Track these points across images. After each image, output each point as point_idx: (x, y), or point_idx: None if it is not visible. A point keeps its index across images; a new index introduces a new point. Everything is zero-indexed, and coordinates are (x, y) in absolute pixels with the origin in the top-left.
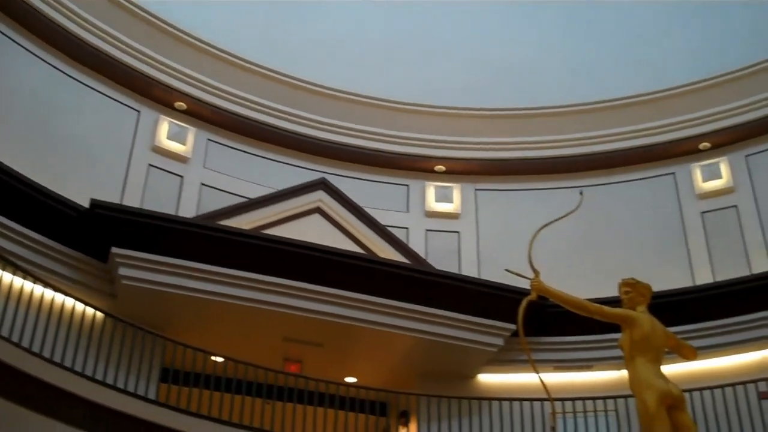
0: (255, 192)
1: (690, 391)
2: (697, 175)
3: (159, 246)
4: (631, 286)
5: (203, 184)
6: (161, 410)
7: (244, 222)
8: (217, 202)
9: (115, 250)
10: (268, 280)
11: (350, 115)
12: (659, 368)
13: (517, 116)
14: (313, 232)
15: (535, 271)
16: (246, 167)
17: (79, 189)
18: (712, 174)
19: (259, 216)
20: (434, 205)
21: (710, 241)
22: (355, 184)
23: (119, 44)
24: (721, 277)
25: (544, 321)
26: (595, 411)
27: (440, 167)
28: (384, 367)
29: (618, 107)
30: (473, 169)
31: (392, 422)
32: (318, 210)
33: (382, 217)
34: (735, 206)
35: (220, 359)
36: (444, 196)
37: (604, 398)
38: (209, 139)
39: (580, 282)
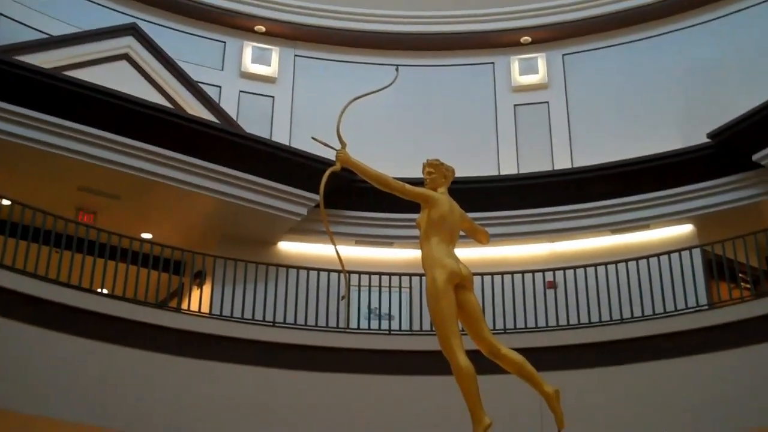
0: (59, 29)
1: (482, 274)
2: (515, 67)
3: None
4: (434, 167)
5: (0, 15)
6: None
7: (43, 60)
8: (15, 36)
9: None
10: (66, 124)
11: None
12: (452, 249)
13: None
14: (119, 79)
15: (342, 142)
16: (50, 1)
17: None
18: (529, 68)
19: (61, 56)
20: (251, 66)
21: (519, 134)
22: (169, 35)
23: None
24: (525, 170)
25: (349, 195)
26: (390, 286)
27: (260, 27)
28: (182, 226)
29: None
30: (294, 34)
31: (186, 282)
32: (126, 57)
33: (195, 73)
34: (546, 103)
35: (7, 202)
36: (261, 58)
37: (400, 275)
38: None
39: (387, 159)
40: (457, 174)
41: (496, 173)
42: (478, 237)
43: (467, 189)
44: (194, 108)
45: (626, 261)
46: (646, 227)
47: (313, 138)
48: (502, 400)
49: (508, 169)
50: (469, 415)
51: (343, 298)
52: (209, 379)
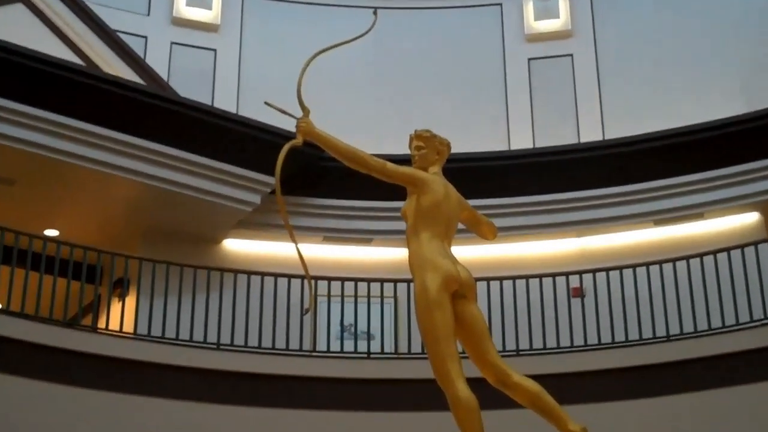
0: None
1: (487, 279)
2: (530, 10)
3: None
4: (425, 140)
5: None
6: None
7: None
8: None
9: None
10: None
11: None
12: (448, 247)
13: None
14: (13, 28)
15: (304, 108)
16: None
17: None
18: (548, 11)
19: None
20: (185, 10)
21: (535, 96)
22: None
23: None
24: (543, 143)
25: (315, 178)
26: (369, 296)
27: None
28: (98, 220)
29: None
30: None
31: (104, 293)
32: None
33: (113, 20)
34: (570, 56)
35: None
36: (200, 0)
37: (381, 281)
38: None
39: (364, 131)
40: (455, 149)
41: (505, 148)
42: (483, 231)
43: (468, 168)
44: (112, 65)
45: (674, 261)
46: (700, 217)
47: (266, 103)
48: None
49: (521, 142)
50: None
51: (307, 311)
52: (135, 418)
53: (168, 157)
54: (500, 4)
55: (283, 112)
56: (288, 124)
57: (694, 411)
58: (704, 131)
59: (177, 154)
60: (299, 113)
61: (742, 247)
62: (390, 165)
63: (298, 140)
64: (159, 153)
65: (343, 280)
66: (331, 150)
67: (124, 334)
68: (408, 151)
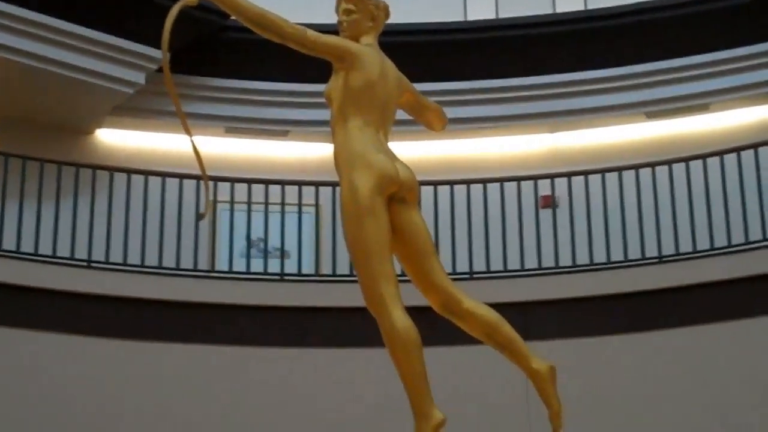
0: None
1: (435, 183)
2: None
3: None
4: (356, 2)
5: None
6: None
7: None
8: None
9: None
10: None
11: None
12: (385, 138)
13: None
14: None
15: None
16: None
17: None
18: None
19: None
20: None
21: None
22: None
23: None
24: (509, 12)
25: (215, 51)
26: (283, 203)
27: None
28: None
29: None
30: None
31: None
32: None
33: None
34: None
35: None
36: None
37: (299, 183)
38: None
39: None
40: (395, 19)
41: (460, 18)
42: (428, 118)
43: (413, 44)
44: None
45: (670, 163)
46: (704, 109)
47: None
48: (466, 383)
49: (481, 12)
50: (409, 406)
51: (201, 217)
52: None
53: (20, 22)
54: None
55: None
56: None
57: (689, 349)
58: (710, 1)
59: (32, 18)
60: None
61: (755, 146)
62: (311, 33)
63: None
64: (8, 16)
65: (249, 182)
66: (235, 12)
67: None
68: (334, 18)
